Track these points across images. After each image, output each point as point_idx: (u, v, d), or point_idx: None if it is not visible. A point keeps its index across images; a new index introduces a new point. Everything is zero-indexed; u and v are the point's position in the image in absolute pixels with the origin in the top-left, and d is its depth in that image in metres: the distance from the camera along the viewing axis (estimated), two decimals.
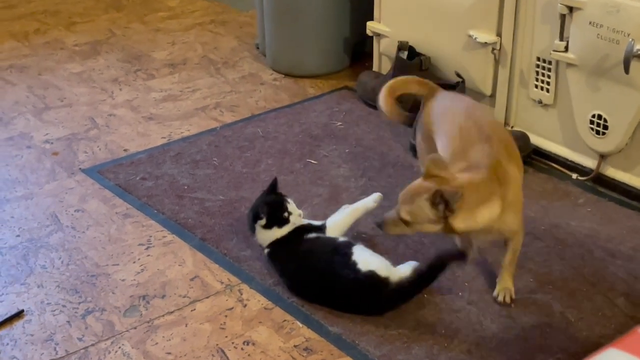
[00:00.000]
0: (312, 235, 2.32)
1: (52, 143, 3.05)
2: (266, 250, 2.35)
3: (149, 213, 2.65)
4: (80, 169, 2.89)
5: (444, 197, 1.98)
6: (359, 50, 3.59)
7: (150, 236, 2.55)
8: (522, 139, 2.91)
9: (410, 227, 2.08)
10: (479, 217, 2.04)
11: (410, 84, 2.47)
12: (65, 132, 3.11)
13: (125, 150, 3.01)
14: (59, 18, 4.08)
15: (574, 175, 2.83)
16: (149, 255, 2.46)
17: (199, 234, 2.55)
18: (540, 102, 2.89)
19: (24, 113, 3.25)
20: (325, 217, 2.44)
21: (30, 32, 3.93)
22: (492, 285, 2.29)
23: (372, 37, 3.37)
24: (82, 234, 2.56)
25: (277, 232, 2.32)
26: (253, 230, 2.36)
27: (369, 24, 3.34)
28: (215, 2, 4.29)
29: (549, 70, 2.82)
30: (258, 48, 3.71)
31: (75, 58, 3.69)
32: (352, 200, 2.51)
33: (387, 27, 3.28)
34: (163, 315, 2.22)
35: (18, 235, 2.55)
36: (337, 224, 2.38)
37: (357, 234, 2.47)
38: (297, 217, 2.34)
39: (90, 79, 3.51)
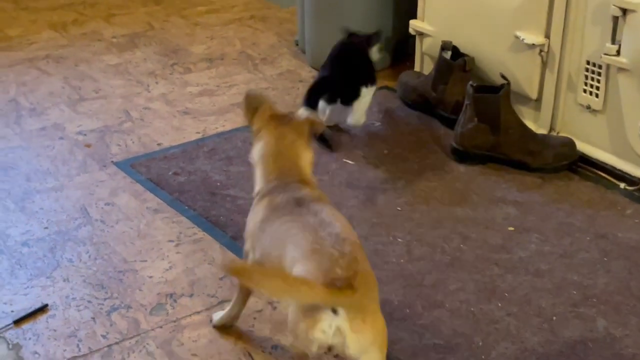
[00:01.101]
0: None
1: (85, 135, 3.00)
2: None
3: (179, 209, 2.58)
4: (112, 161, 2.84)
5: None
6: (401, 49, 3.50)
7: (180, 233, 2.48)
8: (568, 146, 2.80)
9: None
10: None
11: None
12: (98, 124, 3.06)
13: (158, 144, 2.95)
14: (97, 9, 4.04)
15: (622, 185, 2.72)
16: (178, 253, 2.40)
17: (230, 232, 2.48)
18: (588, 107, 2.78)
19: (58, 104, 3.20)
20: (362, 222, 2.34)
21: (69, 22, 3.89)
22: (535, 295, 2.19)
23: (414, 36, 3.28)
24: (111, 228, 2.50)
25: None
26: None
27: (412, 22, 3.25)
28: None
29: (599, 74, 2.71)
30: (297, 45, 3.64)
31: (113, 50, 3.64)
32: (390, 203, 2.42)
33: (431, 26, 3.18)
34: (190, 315, 2.15)
35: (46, 227, 2.50)
36: None
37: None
38: None
39: (127, 71, 3.46)
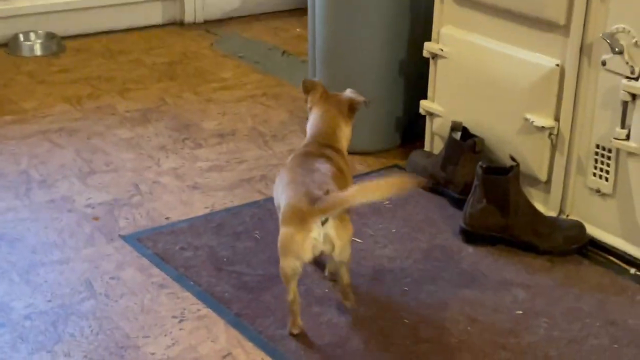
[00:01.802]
0: None
1: (93, 208, 3.00)
2: None
3: (185, 284, 2.57)
4: (119, 235, 2.83)
5: None
6: (411, 128, 3.51)
7: (185, 309, 2.46)
8: (577, 229, 2.78)
9: None
10: None
11: None
12: (108, 198, 3.07)
13: (166, 218, 2.95)
14: (112, 84, 4.10)
15: (632, 270, 2.69)
16: (181, 329, 2.37)
17: (235, 309, 2.45)
18: (598, 191, 2.76)
19: (68, 176, 3.22)
20: (368, 301, 2.32)
21: (83, 96, 3.94)
22: None
23: (425, 116, 3.30)
24: (115, 303, 2.48)
25: None
26: None
27: (423, 102, 3.27)
28: (270, 75, 4.28)
29: (609, 158, 2.71)
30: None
31: (126, 124, 3.68)
32: (397, 283, 2.39)
33: (441, 107, 3.20)
34: None
35: (49, 301, 2.48)
36: None
37: None
38: None
39: (138, 145, 3.48)
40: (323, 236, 2.16)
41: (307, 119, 2.69)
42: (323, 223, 2.15)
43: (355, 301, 2.43)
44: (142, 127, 3.66)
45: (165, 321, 2.40)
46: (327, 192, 2.17)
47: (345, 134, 2.51)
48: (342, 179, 2.34)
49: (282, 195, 2.29)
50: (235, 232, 2.85)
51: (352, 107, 2.53)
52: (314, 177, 2.26)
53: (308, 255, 2.19)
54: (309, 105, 2.57)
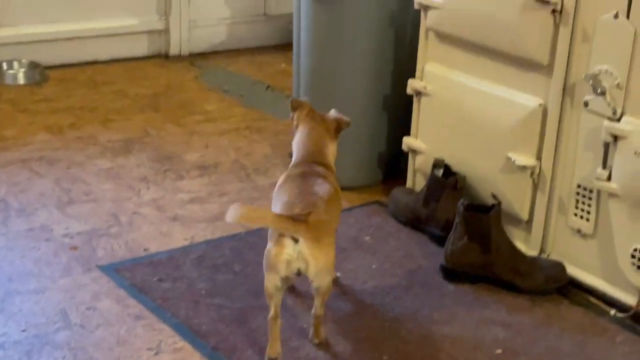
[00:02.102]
0: None
1: (72, 237, 2.97)
2: None
3: (162, 316, 2.53)
4: (97, 265, 2.80)
5: None
6: (394, 165, 3.51)
7: (161, 341, 2.43)
8: (558, 269, 2.77)
9: None
10: None
11: None
12: (86, 227, 3.04)
13: (145, 249, 2.92)
14: (95, 114, 4.08)
15: (613, 311, 2.68)
16: None
17: (212, 342, 2.42)
18: (579, 231, 2.77)
19: (47, 205, 3.18)
20: (347, 336, 2.29)
21: (65, 126, 3.92)
22: None
23: (407, 152, 3.30)
24: (90, 334, 2.44)
25: None
26: None
27: (406, 139, 3.27)
28: (254, 109, 4.28)
29: (590, 198, 2.71)
30: (291, 157, 3.65)
31: (107, 154, 3.65)
32: (377, 319, 2.37)
33: (424, 144, 3.20)
34: None
35: (24, 330, 2.44)
36: None
37: None
38: None
39: (119, 176, 3.46)
40: (297, 253, 2.22)
41: (290, 153, 2.69)
42: (296, 241, 2.21)
43: (324, 338, 2.42)
44: (124, 157, 3.64)
45: (141, 353, 2.37)
46: (308, 214, 2.24)
47: (331, 151, 2.59)
48: (336, 200, 2.45)
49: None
50: (215, 264, 2.83)
51: (338, 127, 2.61)
52: (308, 199, 2.33)
53: (283, 271, 2.23)
54: (295, 123, 2.63)
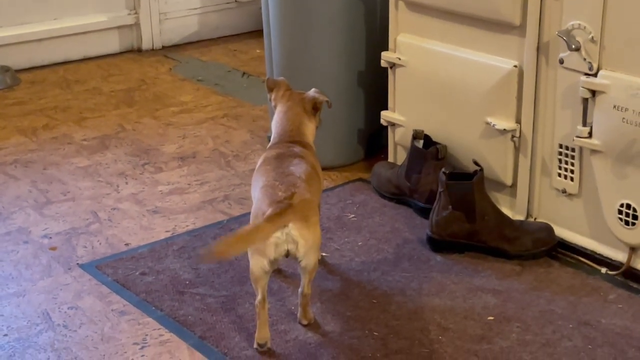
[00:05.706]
0: None
1: (50, 238, 2.91)
2: None
3: (146, 310, 2.48)
4: (77, 264, 2.75)
5: None
6: (375, 141, 3.46)
7: (146, 335, 2.38)
8: (546, 231, 2.73)
9: None
10: None
11: None
12: (65, 227, 2.98)
13: (126, 244, 2.87)
14: (69, 113, 4.01)
15: (603, 270, 2.64)
16: (143, 356, 2.29)
17: (199, 332, 2.37)
18: (564, 191, 2.72)
19: (24, 208, 3.12)
20: (336, 315, 2.25)
21: (39, 127, 3.85)
22: None
23: (387, 127, 3.25)
24: (74, 333, 2.39)
25: None
26: None
27: (383, 113, 3.22)
28: (230, 96, 4.22)
29: (573, 157, 2.67)
30: (270, 140, 3.60)
31: (83, 152, 3.59)
32: (365, 296, 2.33)
33: (402, 116, 3.15)
34: None
35: (6, 335, 2.39)
36: None
37: None
38: None
39: (96, 173, 3.40)
40: (286, 235, 2.17)
41: (268, 137, 2.64)
42: (285, 225, 2.16)
43: (312, 318, 2.39)
44: (100, 154, 3.58)
45: (127, 348, 2.32)
46: (292, 196, 2.19)
47: (310, 130, 2.55)
48: (315, 178, 2.39)
49: (256, 198, 2.33)
50: (198, 254, 2.77)
51: (315, 106, 2.56)
52: (287, 179, 2.28)
53: (272, 254, 2.18)
54: (272, 103, 2.60)
